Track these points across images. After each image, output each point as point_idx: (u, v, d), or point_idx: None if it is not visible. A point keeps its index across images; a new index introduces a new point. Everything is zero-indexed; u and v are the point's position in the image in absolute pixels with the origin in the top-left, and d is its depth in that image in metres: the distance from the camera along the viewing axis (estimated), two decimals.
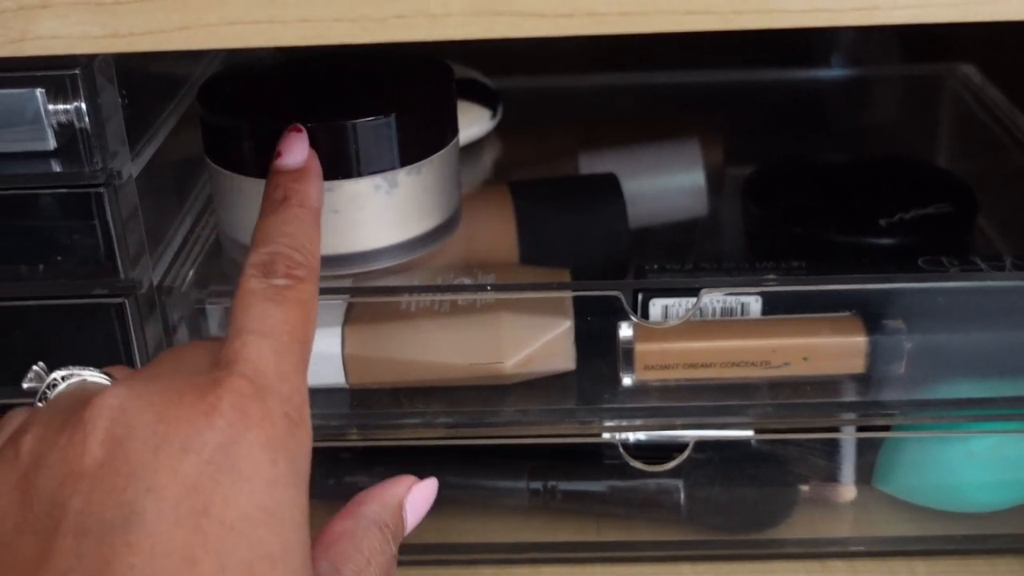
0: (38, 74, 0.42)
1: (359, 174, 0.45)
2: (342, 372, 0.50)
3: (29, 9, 0.35)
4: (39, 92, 0.42)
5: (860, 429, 0.52)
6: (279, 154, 0.41)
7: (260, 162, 0.46)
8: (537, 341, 0.49)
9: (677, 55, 0.60)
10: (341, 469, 0.55)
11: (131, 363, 0.47)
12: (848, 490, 0.53)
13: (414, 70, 0.50)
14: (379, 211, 0.47)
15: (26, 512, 0.31)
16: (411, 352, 0.50)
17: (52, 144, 0.43)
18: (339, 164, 0.45)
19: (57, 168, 0.43)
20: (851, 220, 0.55)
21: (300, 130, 0.41)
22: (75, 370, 0.35)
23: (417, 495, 0.38)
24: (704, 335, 0.49)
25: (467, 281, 0.51)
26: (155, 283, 0.47)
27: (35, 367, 0.36)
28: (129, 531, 0.29)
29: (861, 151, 0.65)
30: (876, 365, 0.49)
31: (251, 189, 0.46)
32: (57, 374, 0.35)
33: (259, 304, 0.34)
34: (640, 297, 0.50)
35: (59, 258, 0.45)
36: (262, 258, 0.36)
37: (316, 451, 0.55)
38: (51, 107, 0.42)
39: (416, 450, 0.53)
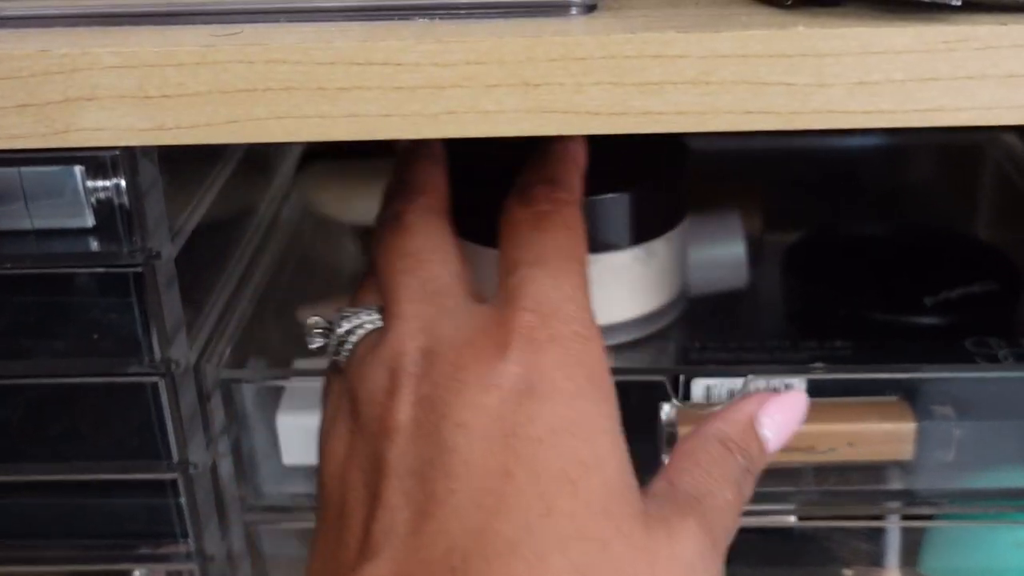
0: (78, 153, 0.41)
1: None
2: None
3: (74, 101, 0.34)
4: (78, 169, 0.41)
5: (905, 516, 0.50)
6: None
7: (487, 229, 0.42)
8: None
9: None
10: None
11: (164, 441, 0.46)
12: None
13: (645, 144, 0.48)
14: (611, 287, 0.45)
15: (353, 465, 0.34)
16: None
17: (90, 221, 0.42)
18: None
19: (95, 245, 0.43)
20: (895, 298, 0.54)
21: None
22: (353, 317, 0.37)
23: (775, 411, 0.37)
24: None
25: None
26: (191, 361, 0.47)
27: (315, 326, 0.38)
28: (446, 462, 0.32)
29: (902, 222, 0.64)
30: (924, 452, 0.48)
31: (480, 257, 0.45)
32: (340, 329, 0.37)
33: (526, 234, 0.36)
34: (682, 376, 0.49)
35: (95, 336, 0.45)
36: (523, 191, 0.37)
37: None
38: (90, 184, 0.42)
39: None
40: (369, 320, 0.37)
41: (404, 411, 0.33)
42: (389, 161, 0.60)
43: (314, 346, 0.38)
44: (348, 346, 0.37)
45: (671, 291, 0.48)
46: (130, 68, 0.34)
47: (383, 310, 0.37)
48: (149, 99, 0.34)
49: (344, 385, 0.37)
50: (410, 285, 0.36)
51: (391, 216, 0.39)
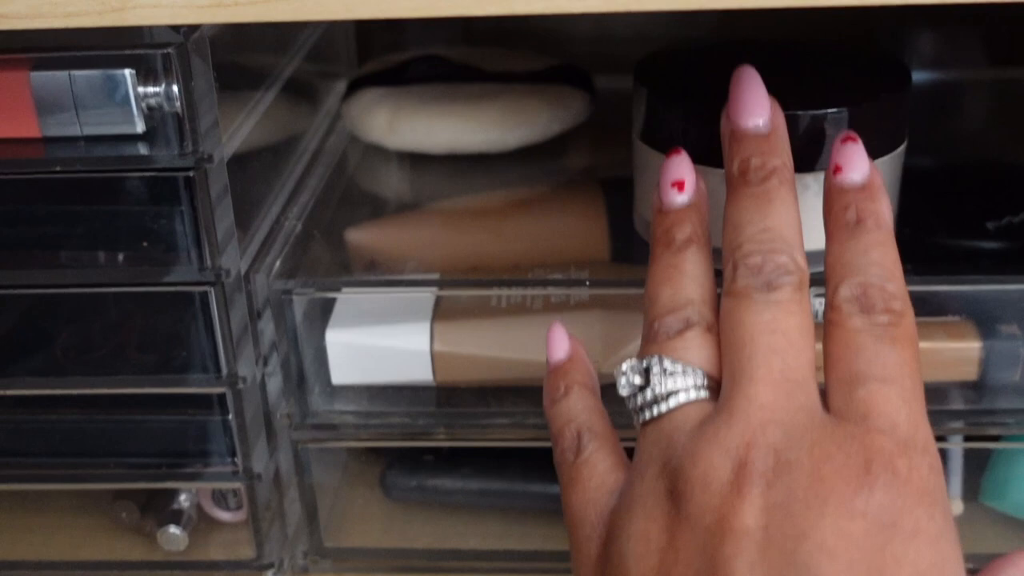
0: (128, 52, 0.40)
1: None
2: (430, 369, 0.48)
3: None
4: (128, 73, 0.41)
5: (968, 439, 0.49)
6: (838, 169, 0.37)
7: (699, 146, 0.41)
8: (632, 341, 0.48)
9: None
10: (424, 472, 0.53)
11: (213, 354, 0.45)
12: (955, 505, 0.51)
13: (865, 64, 0.47)
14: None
15: (678, 560, 0.32)
16: (501, 350, 0.48)
17: (140, 127, 0.41)
18: None
19: (145, 151, 0.42)
20: (958, 224, 0.53)
21: (856, 139, 0.37)
22: (679, 377, 0.35)
23: None
24: None
25: (559, 277, 0.49)
26: (242, 271, 0.46)
27: (632, 371, 0.36)
28: None
29: (959, 155, 0.62)
30: (989, 372, 0.47)
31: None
32: (661, 389, 0.35)
33: (871, 346, 0.33)
34: None
35: (145, 244, 0.44)
36: (854, 291, 0.34)
37: (399, 451, 0.54)
38: (140, 89, 0.41)
39: (502, 452, 0.51)
40: (696, 386, 0.35)
41: (752, 515, 0.31)
42: (434, 87, 0.59)
43: (624, 393, 0.36)
44: (662, 407, 0.35)
45: None
46: None
47: (709, 377, 0.35)
48: None
49: (660, 453, 0.34)
50: (773, 367, 0.33)
51: (765, 284, 0.35)
